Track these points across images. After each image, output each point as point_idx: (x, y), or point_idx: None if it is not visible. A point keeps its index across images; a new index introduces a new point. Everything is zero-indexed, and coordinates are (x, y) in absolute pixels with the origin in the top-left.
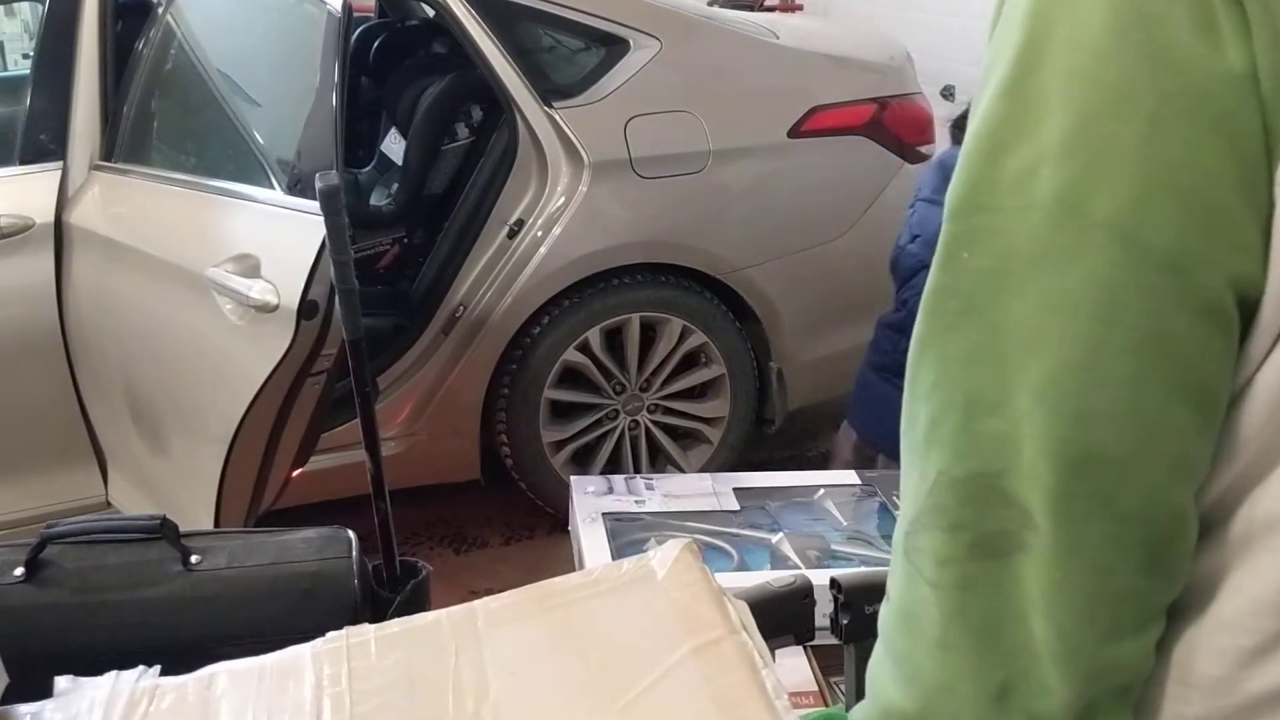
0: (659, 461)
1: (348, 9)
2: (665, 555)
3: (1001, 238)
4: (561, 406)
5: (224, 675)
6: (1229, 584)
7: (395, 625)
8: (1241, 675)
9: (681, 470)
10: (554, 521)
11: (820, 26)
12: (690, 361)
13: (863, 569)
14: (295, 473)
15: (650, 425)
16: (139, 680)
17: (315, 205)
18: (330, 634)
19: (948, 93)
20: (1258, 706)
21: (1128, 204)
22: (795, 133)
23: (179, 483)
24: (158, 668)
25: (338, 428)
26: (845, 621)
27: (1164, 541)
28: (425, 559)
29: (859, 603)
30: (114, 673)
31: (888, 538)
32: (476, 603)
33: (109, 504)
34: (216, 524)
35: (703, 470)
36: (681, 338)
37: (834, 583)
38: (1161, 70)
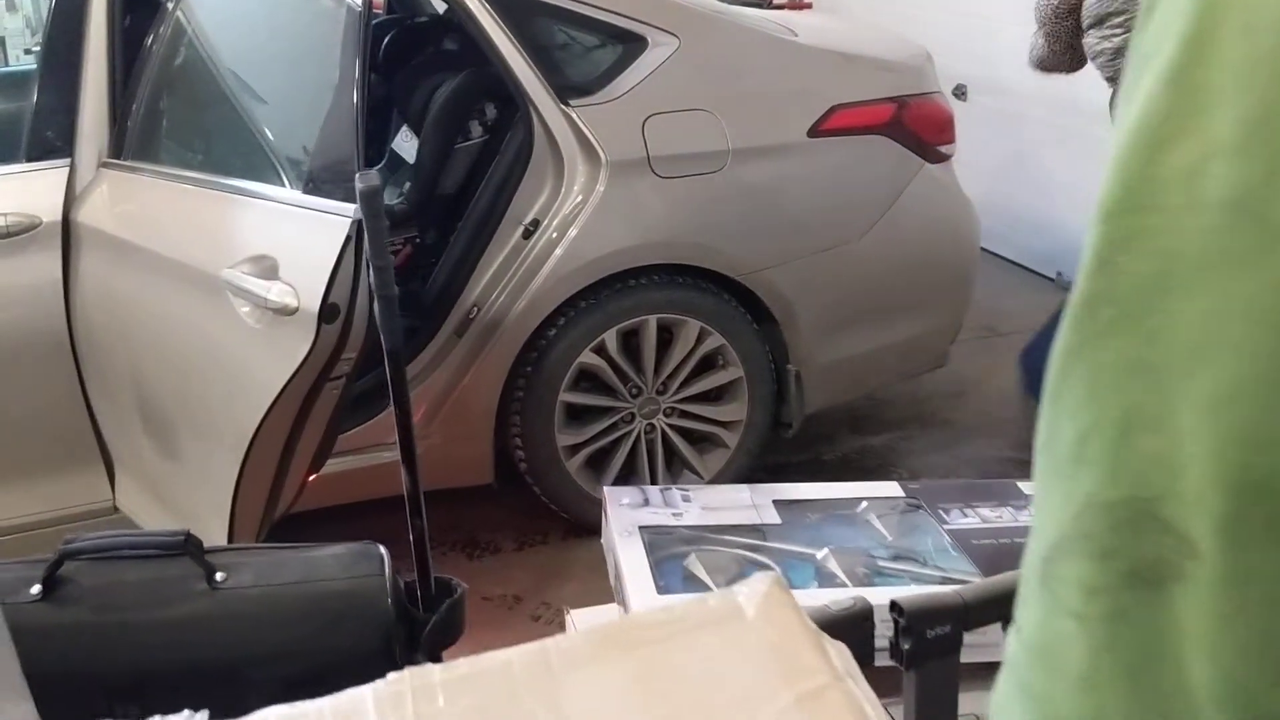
0: (675, 466)
1: (368, 4)
2: (753, 590)
3: (1164, 239)
4: (577, 410)
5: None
6: None
7: (462, 666)
8: None
9: (698, 475)
10: (568, 526)
11: (838, 25)
12: (707, 364)
13: (923, 591)
14: (311, 477)
15: (666, 429)
16: None
17: (335, 205)
18: (392, 676)
19: (960, 92)
20: None
21: None
22: (815, 132)
23: (190, 488)
24: (205, 713)
25: (354, 429)
26: (907, 646)
27: None
28: (437, 564)
29: (920, 627)
30: (158, 718)
31: (935, 553)
32: (549, 641)
33: (116, 509)
34: (230, 530)
35: (719, 474)
36: (699, 340)
37: (894, 605)
38: None
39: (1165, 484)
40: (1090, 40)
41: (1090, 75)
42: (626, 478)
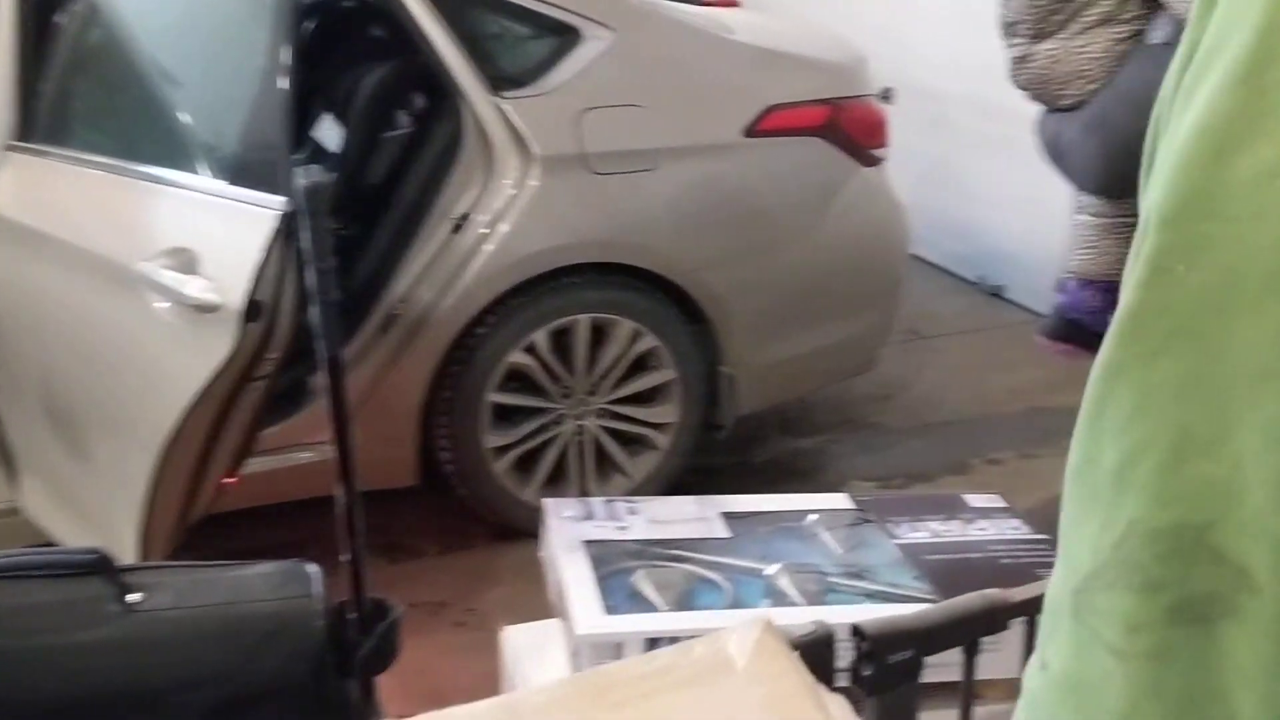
0: (605, 469)
1: None
2: (743, 639)
3: (1231, 249)
4: (505, 411)
5: None
6: None
7: None
8: None
9: (628, 477)
10: (494, 530)
11: (774, 23)
12: (639, 365)
13: (884, 614)
14: (229, 480)
15: (597, 431)
16: None
17: (261, 196)
18: None
19: (886, 95)
20: None
21: None
22: (751, 132)
23: (101, 490)
24: None
25: (271, 429)
26: (869, 672)
27: None
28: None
29: (883, 651)
30: None
31: (886, 569)
32: (517, 696)
33: (16, 511)
34: (143, 534)
35: (650, 476)
36: (632, 341)
37: (857, 630)
38: None
39: (1220, 510)
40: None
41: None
42: (555, 480)
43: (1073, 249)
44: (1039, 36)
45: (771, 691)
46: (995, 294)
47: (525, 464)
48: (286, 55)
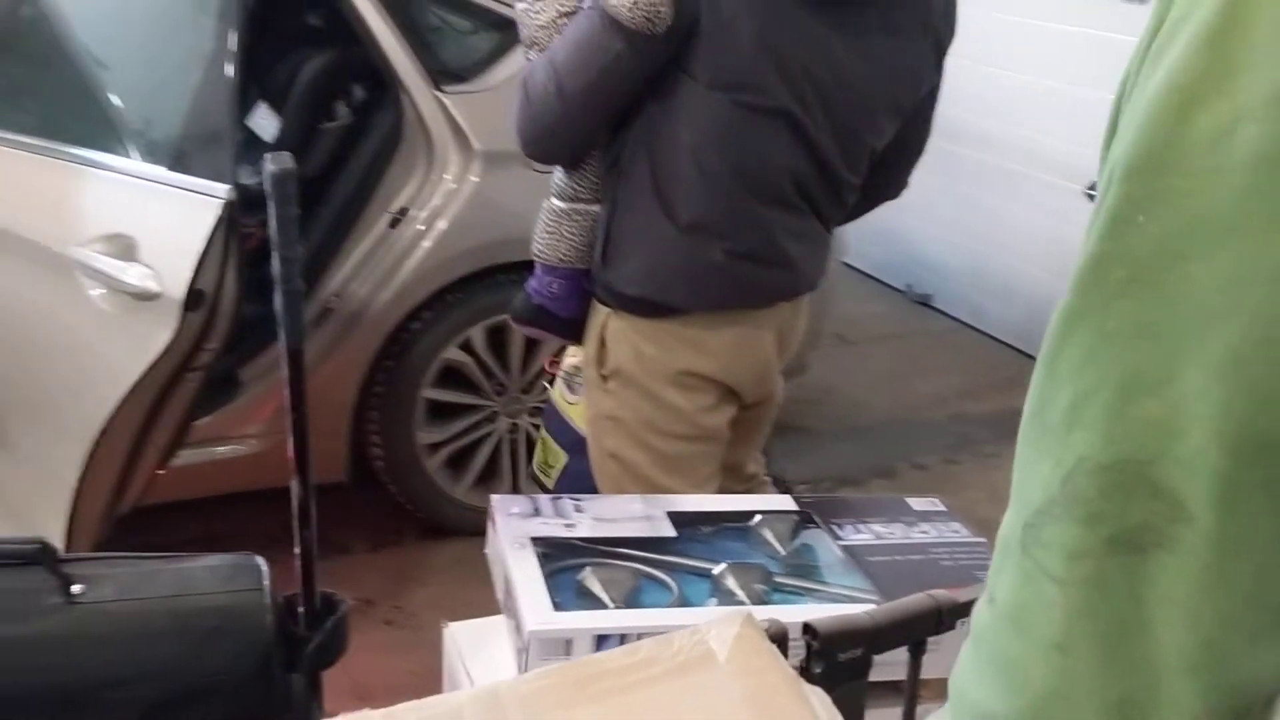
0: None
1: None
2: (724, 631)
3: (1189, 201)
4: (438, 407)
5: None
6: None
7: (408, 713)
8: None
9: None
10: (422, 526)
11: None
12: None
13: (835, 614)
14: (159, 472)
15: (531, 429)
16: None
17: (203, 184)
18: None
19: None
20: None
21: None
22: None
23: (25, 484)
24: None
25: (202, 420)
26: (819, 669)
27: None
28: (283, 565)
29: (833, 649)
30: None
31: (829, 569)
32: (501, 685)
33: None
34: (69, 529)
35: None
36: None
37: (808, 628)
38: None
39: (1162, 447)
40: None
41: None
42: (487, 478)
43: (536, 233)
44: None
45: (754, 684)
46: (922, 302)
47: (458, 461)
48: (233, 41)
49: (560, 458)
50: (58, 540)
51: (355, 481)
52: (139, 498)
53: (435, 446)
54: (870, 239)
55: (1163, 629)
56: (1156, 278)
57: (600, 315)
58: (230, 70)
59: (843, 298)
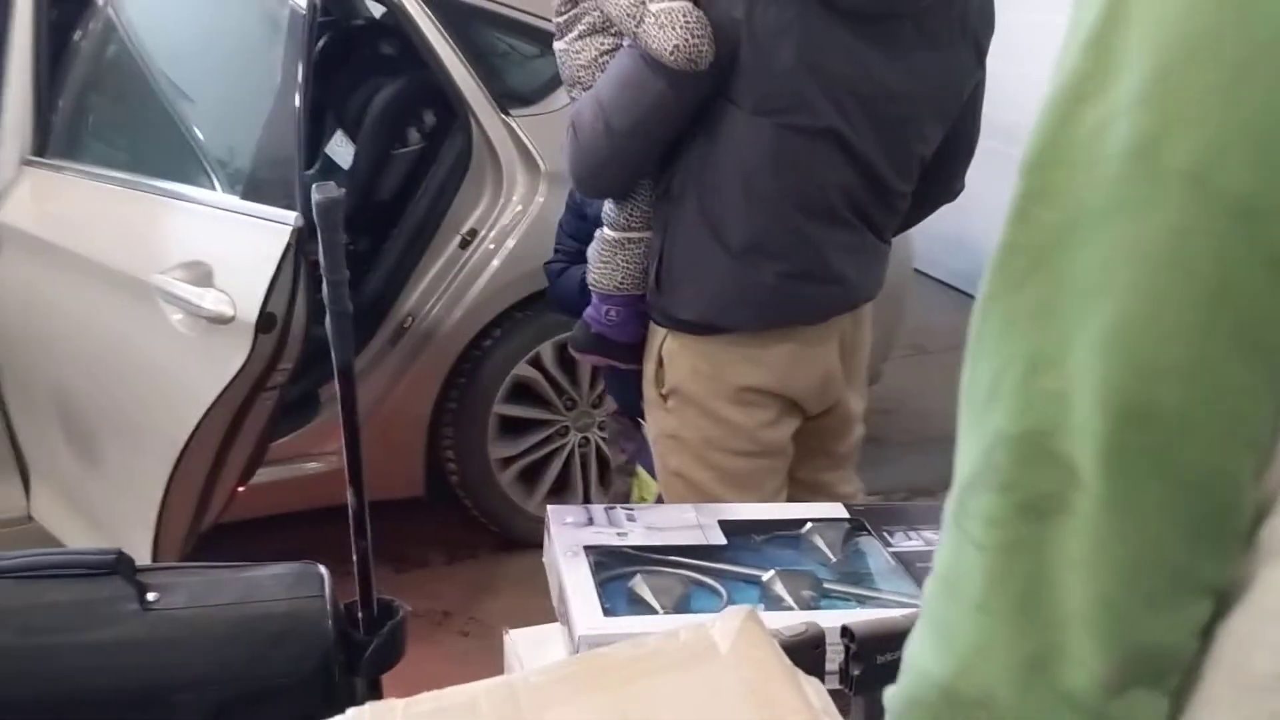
0: (608, 480)
1: (313, 7)
2: (727, 625)
3: (1073, 192)
4: (510, 423)
5: None
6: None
7: (426, 702)
8: None
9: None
10: (497, 540)
11: None
12: None
13: (874, 616)
14: (240, 488)
15: (601, 443)
16: None
17: (274, 211)
18: (352, 711)
19: None
20: None
21: (1203, 150)
22: None
23: (113, 501)
24: None
25: (282, 439)
26: (856, 672)
27: (1216, 512)
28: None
29: (871, 652)
30: None
31: (879, 575)
32: (515, 677)
33: (30, 518)
34: (155, 544)
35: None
36: None
37: (846, 631)
38: (1250, 18)
39: (1060, 418)
40: None
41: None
42: (559, 491)
43: (590, 264)
44: (557, 37)
45: (752, 675)
46: None
47: (530, 475)
48: (301, 73)
49: (653, 489)
50: (145, 555)
51: (433, 497)
52: (221, 514)
53: (508, 461)
54: (943, 247)
55: (1065, 589)
56: (1052, 263)
57: (658, 335)
58: (298, 102)
59: (922, 308)
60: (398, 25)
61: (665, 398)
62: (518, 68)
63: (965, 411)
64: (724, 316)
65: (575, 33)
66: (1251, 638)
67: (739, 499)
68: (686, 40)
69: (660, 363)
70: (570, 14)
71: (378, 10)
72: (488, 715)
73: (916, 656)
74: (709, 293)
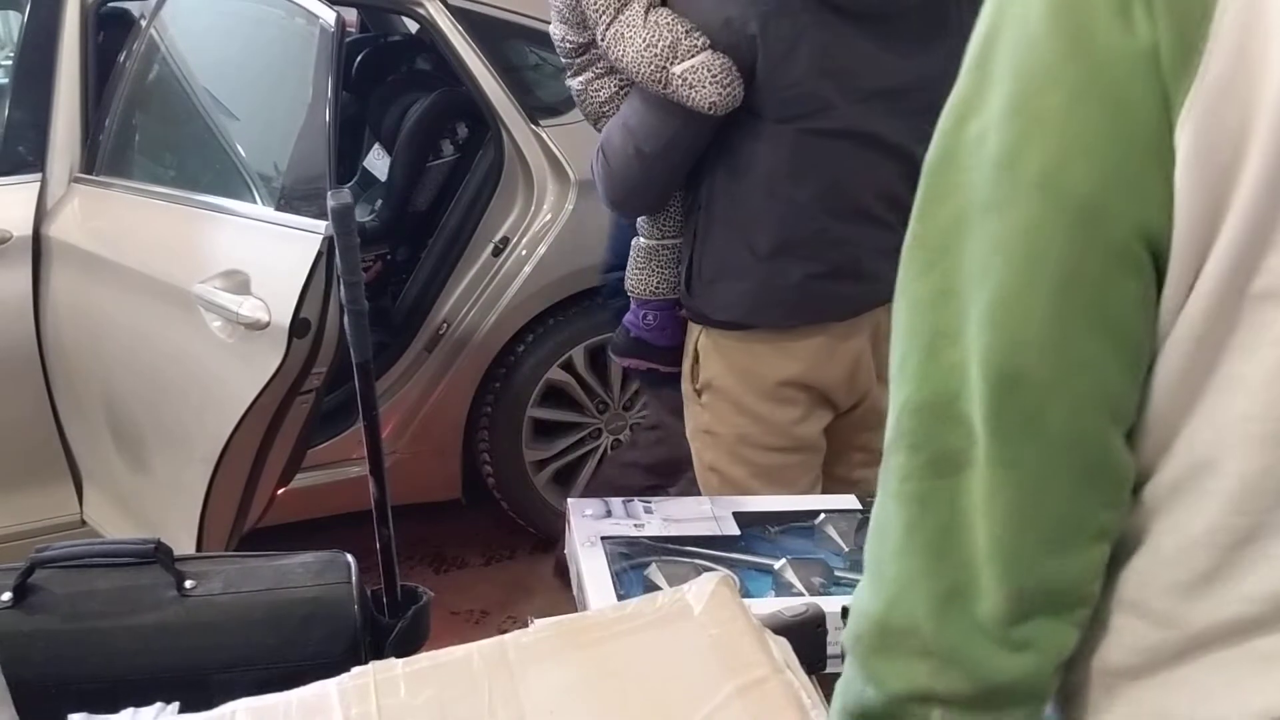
0: None
1: (341, 24)
2: (701, 589)
3: (961, 192)
4: (544, 425)
5: (245, 713)
6: (1167, 522)
7: (424, 660)
8: (1183, 609)
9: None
10: (534, 541)
11: None
12: None
13: None
14: (280, 491)
15: None
16: (158, 717)
17: (307, 221)
18: (356, 670)
19: None
20: (1203, 640)
21: (1051, 162)
22: None
23: (160, 502)
24: (175, 705)
25: (322, 444)
26: None
27: (1093, 470)
28: (404, 578)
29: None
30: (130, 710)
31: None
32: (507, 637)
33: (84, 522)
34: (199, 544)
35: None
36: None
37: (846, 611)
38: (1083, 49)
39: (959, 386)
40: None
41: None
42: (594, 493)
43: (627, 270)
44: (569, 75)
45: (720, 633)
46: None
47: (564, 477)
48: (330, 89)
49: None
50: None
51: (470, 499)
52: (262, 516)
53: (543, 463)
54: None
55: (973, 532)
56: (945, 253)
57: (694, 332)
58: (327, 116)
59: None
60: (431, 41)
61: (699, 393)
62: (547, 79)
63: (890, 386)
64: (754, 315)
65: (591, 73)
66: (1147, 580)
67: (773, 494)
68: (720, 94)
69: (696, 358)
70: (580, 60)
71: (412, 27)
72: (479, 669)
73: (858, 599)
74: (738, 293)
